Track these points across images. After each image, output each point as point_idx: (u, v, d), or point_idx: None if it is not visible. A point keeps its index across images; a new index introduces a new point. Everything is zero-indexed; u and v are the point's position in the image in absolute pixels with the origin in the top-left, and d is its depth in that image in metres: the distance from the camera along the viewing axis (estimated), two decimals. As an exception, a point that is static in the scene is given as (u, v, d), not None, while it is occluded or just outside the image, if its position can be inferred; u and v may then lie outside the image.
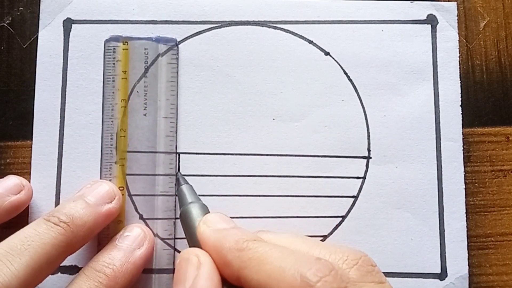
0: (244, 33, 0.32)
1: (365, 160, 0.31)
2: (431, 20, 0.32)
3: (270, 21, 0.32)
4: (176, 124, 0.31)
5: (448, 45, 0.32)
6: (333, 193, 0.31)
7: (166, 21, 0.32)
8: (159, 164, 0.30)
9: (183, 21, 0.32)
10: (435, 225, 0.31)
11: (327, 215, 0.31)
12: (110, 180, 0.30)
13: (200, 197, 0.28)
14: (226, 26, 0.32)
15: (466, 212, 0.31)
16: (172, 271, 0.30)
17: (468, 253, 0.30)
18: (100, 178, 0.31)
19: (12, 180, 0.29)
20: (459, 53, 0.32)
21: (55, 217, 0.26)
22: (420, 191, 0.31)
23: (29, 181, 0.31)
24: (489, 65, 0.32)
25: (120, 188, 0.30)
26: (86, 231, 0.27)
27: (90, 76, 0.31)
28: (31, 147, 0.31)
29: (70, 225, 0.26)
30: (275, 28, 0.32)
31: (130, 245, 0.28)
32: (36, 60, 0.32)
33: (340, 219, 0.31)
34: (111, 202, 0.28)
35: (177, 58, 0.31)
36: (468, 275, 0.30)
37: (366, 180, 0.31)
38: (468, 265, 0.30)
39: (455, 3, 0.33)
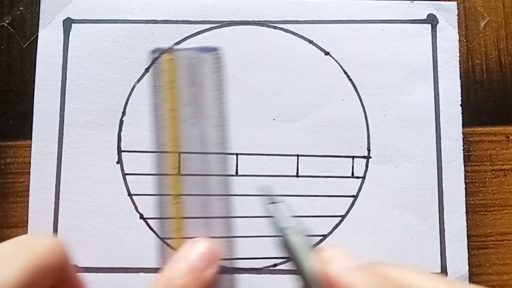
0: (244, 33, 0.32)
1: (365, 160, 0.31)
2: (431, 20, 0.32)
3: (270, 21, 0.32)
4: (226, 131, 0.31)
5: (448, 45, 0.32)
6: (332, 192, 0.31)
7: (166, 21, 0.32)
8: (213, 167, 0.31)
9: (183, 21, 0.32)
10: (435, 224, 0.30)
11: (326, 214, 0.31)
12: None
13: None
14: (226, 26, 0.32)
15: (466, 212, 0.31)
16: None
17: (468, 252, 0.30)
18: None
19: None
20: (459, 52, 0.32)
21: None
22: (420, 190, 0.31)
23: (29, 181, 0.31)
24: (489, 65, 0.32)
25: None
26: None
27: (90, 75, 0.31)
28: (31, 146, 0.31)
29: None
30: (275, 28, 0.32)
31: (200, 263, 0.27)
32: (36, 60, 0.32)
33: (340, 218, 0.31)
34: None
35: (221, 67, 0.31)
36: (468, 275, 0.30)
37: (365, 179, 0.31)
38: (468, 264, 0.30)
39: (455, 2, 0.32)
